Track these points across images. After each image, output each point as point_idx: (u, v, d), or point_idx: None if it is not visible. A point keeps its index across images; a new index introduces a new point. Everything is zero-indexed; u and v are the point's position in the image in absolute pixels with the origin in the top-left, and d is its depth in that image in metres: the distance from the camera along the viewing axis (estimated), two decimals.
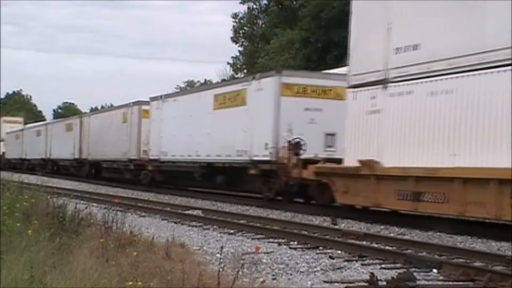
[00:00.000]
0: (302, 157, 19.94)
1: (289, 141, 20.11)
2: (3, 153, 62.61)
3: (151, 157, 29.92)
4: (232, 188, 25.39)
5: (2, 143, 65.28)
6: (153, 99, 31.00)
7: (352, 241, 12.08)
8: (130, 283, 6.33)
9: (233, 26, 54.41)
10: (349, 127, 17.19)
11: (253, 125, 21.74)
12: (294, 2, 46.28)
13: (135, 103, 33.52)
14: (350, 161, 16.83)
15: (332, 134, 20.61)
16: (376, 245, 11.62)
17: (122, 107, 35.29)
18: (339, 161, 18.08)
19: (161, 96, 30.40)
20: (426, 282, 8.55)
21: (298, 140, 20.06)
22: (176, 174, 28.50)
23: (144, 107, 32.00)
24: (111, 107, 38.01)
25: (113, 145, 34.78)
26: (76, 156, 41.77)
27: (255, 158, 21.49)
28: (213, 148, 24.48)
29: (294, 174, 19.72)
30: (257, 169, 21.36)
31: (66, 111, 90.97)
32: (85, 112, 53.17)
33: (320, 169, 18.55)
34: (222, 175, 24.54)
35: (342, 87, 18.76)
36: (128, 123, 33.37)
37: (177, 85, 71.05)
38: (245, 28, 54.23)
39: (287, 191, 20.66)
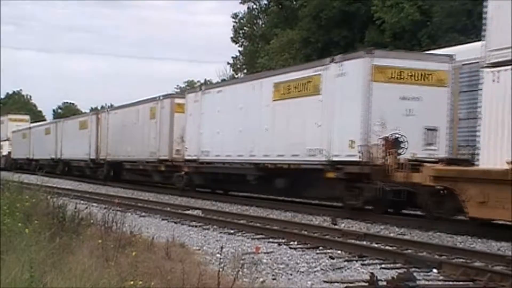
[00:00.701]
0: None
1: (386, 138, 16.54)
2: (9, 153, 59.08)
3: (187, 157, 26.09)
4: (297, 194, 21.57)
5: (7, 142, 61.44)
6: (190, 91, 28.09)
7: (352, 241, 12.08)
8: (132, 282, 6.33)
9: (233, 26, 54.41)
10: (487, 118, 13.67)
11: (332, 119, 18.10)
12: (294, 2, 46.23)
13: (165, 96, 29.98)
14: (489, 162, 13.41)
15: (433, 129, 17.30)
16: (376, 245, 11.62)
17: (149, 101, 31.14)
18: (445, 162, 15.44)
19: (200, 87, 27.80)
20: (426, 282, 8.55)
21: (397, 136, 16.56)
22: (221, 177, 24.57)
23: (178, 100, 28.35)
24: (135, 102, 33.48)
25: (138, 144, 31.22)
26: (92, 157, 37.80)
27: (335, 159, 17.86)
28: (273, 147, 20.68)
29: (398, 178, 15.81)
30: (339, 171, 17.60)
31: (66, 111, 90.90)
32: (102, 108, 46.85)
33: (443, 172, 14.66)
34: (283, 179, 20.57)
35: (445, 71, 16.93)
36: (157, 119, 29.47)
37: (177, 85, 71.08)
38: (245, 28, 54.19)
39: (381, 199, 16.55)
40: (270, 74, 22.76)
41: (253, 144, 21.74)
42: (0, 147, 61.10)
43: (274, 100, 20.82)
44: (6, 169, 46.49)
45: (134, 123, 32.28)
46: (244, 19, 53.83)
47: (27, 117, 67.11)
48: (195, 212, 18.00)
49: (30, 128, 55.16)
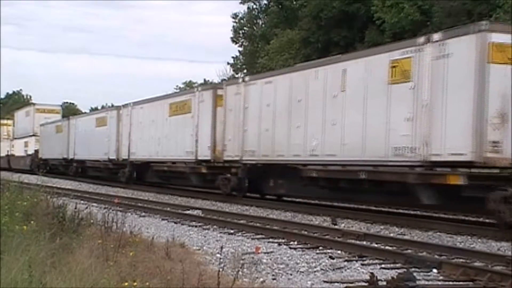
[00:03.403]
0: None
1: None
2: (36, 151, 48.08)
3: (227, 158, 22.92)
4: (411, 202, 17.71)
5: (33, 138, 50.16)
6: (229, 82, 24.14)
7: (352, 241, 12.08)
8: (135, 283, 6.33)
9: (233, 26, 54.40)
10: None
11: (429, 110, 14.74)
12: (294, 2, 46.21)
13: (205, 87, 26.76)
14: None
15: None
16: (376, 245, 11.62)
17: (184, 94, 28.04)
18: None
19: (243, 78, 23.09)
20: (426, 282, 8.55)
21: None
22: (274, 181, 21.31)
23: (220, 91, 24.09)
24: (165, 95, 30.03)
25: (170, 142, 27.56)
26: (112, 156, 34.08)
27: (434, 159, 14.54)
28: (339, 145, 17.46)
29: None
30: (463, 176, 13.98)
31: (66, 111, 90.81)
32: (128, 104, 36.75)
33: None
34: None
35: None
36: (195, 113, 25.57)
37: (177, 85, 71.05)
38: (245, 28, 54.17)
39: None
40: (336, 60, 18.64)
41: (316, 141, 18.41)
42: (27, 144, 51.12)
43: (343, 91, 17.54)
44: (31, 171, 40.52)
45: (165, 118, 28.31)
46: (244, 19, 53.81)
47: (58, 107, 55.14)
48: (195, 212, 18.00)
49: (69, 119, 44.09)
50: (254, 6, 53.20)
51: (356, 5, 37.09)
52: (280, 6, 48.71)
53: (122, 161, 32.81)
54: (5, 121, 63.69)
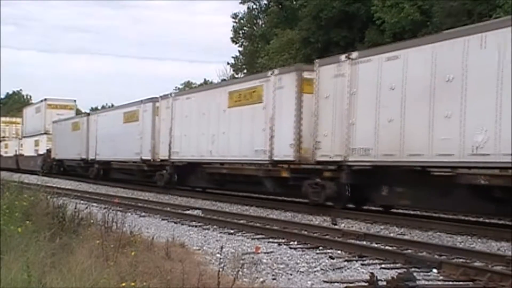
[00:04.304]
0: None
1: None
2: (48, 151, 44.11)
3: (321, 158, 18.18)
4: None
5: (45, 136, 46.04)
6: (323, 62, 18.60)
7: (352, 241, 12.07)
8: (133, 284, 6.32)
9: (233, 26, 54.43)
10: None
11: None
12: (294, 2, 46.23)
13: (282, 69, 21.21)
14: None
15: None
16: (376, 245, 11.61)
17: (250, 80, 23.11)
18: None
19: (348, 56, 17.51)
20: (426, 282, 8.54)
21: None
22: (400, 187, 16.36)
23: (308, 74, 19.08)
24: (220, 83, 26.29)
25: (230, 139, 22.77)
26: (146, 157, 29.33)
27: None
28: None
29: None
30: None
31: None
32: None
33: None
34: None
35: None
36: (267, 103, 20.56)
37: (176, 86, 71.02)
38: (245, 28, 54.21)
39: None
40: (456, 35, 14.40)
41: (483, 135, 13.55)
42: (37, 143, 47.30)
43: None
44: (42, 172, 36.78)
45: (223, 110, 23.22)
46: (244, 19, 53.84)
47: (71, 103, 49.41)
48: (195, 212, 17.99)
49: (89, 114, 39.53)
50: (254, 6, 53.29)
51: (356, 5, 37.11)
52: (280, 6, 48.74)
53: (159, 162, 28.04)
54: (13, 119, 61.10)
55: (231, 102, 22.82)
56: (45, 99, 49.19)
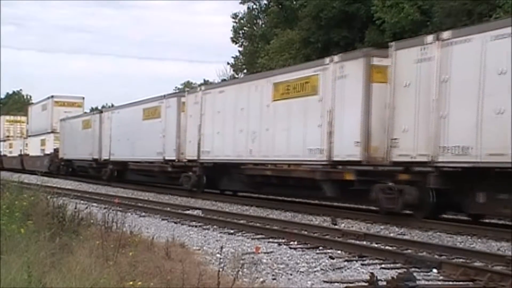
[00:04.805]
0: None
1: None
2: (55, 150, 42.01)
3: (398, 159, 15.34)
4: None
5: (52, 135, 43.82)
6: (400, 45, 15.82)
7: (352, 241, 12.07)
8: (131, 283, 6.33)
9: (233, 26, 54.41)
10: None
11: None
12: (294, 2, 46.22)
13: (345, 57, 17.62)
14: None
15: None
16: (376, 245, 11.62)
17: (300, 69, 19.61)
18: None
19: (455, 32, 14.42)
20: (426, 282, 8.54)
21: None
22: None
23: (377, 61, 16.43)
24: (259, 74, 23.02)
25: (277, 136, 19.65)
26: (170, 157, 26.74)
27: None
28: None
29: None
30: None
31: None
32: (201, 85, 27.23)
33: None
34: None
35: None
36: (323, 94, 17.71)
37: (176, 87, 70.98)
38: (245, 28, 54.19)
39: None
40: None
41: None
42: (44, 143, 45.25)
43: None
44: (49, 173, 36.67)
45: (267, 104, 20.32)
46: (244, 19, 53.82)
47: (79, 100, 47.04)
48: (195, 212, 17.99)
49: (102, 111, 36.78)
50: (254, 6, 53.26)
51: (356, 5, 37.09)
52: (280, 6, 48.70)
53: (186, 162, 25.44)
54: (17, 118, 59.30)
55: (276, 94, 19.94)
56: (52, 96, 46.68)
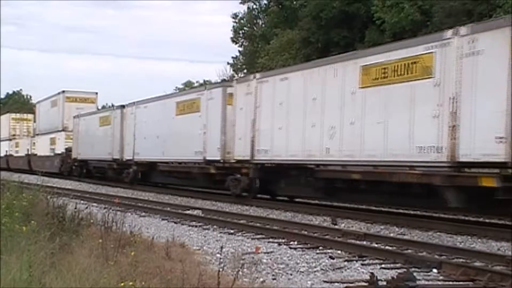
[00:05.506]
0: None
1: None
2: (67, 150, 39.27)
3: (468, 159, 13.37)
4: None
5: (63, 134, 41.06)
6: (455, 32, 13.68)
7: (352, 241, 12.07)
8: (131, 283, 6.32)
9: (233, 26, 54.43)
10: None
11: None
12: (294, 2, 46.22)
13: (485, 27, 13.52)
14: None
15: None
16: (376, 245, 11.62)
17: (399, 47, 15.59)
18: None
19: None
20: (426, 282, 8.54)
21: None
22: None
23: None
24: (323, 60, 19.65)
25: (370, 132, 16.11)
26: (213, 157, 23.52)
27: None
28: None
29: None
30: None
31: None
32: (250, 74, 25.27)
33: None
34: None
35: None
36: (438, 77, 14.12)
37: (176, 87, 70.91)
38: (245, 28, 54.21)
39: None
40: None
41: None
42: (54, 142, 42.54)
43: None
44: (60, 174, 35.41)
45: (351, 92, 16.76)
46: (244, 19, 53.83)
47: (93, 95, 43.34)
48: (195, 212, 17.99)
49: (123, 106, 32.26)
50: (254, 6, 53.28)
51: (356, 5, 37.10)
52: (280, 6, 48.71)
53: (234, 163, 22.13)
54: (24, 116, 57.15)
55: (366, 79, 16.27)
56: (63, 91, 43.06)
